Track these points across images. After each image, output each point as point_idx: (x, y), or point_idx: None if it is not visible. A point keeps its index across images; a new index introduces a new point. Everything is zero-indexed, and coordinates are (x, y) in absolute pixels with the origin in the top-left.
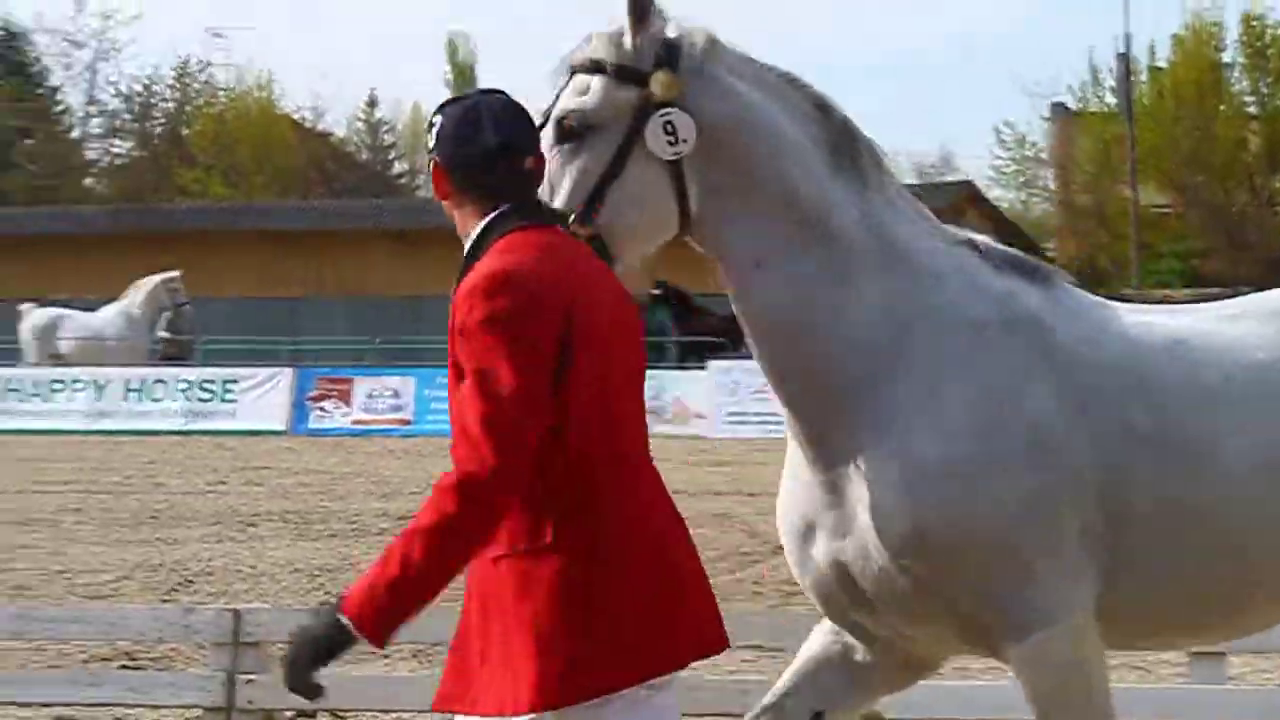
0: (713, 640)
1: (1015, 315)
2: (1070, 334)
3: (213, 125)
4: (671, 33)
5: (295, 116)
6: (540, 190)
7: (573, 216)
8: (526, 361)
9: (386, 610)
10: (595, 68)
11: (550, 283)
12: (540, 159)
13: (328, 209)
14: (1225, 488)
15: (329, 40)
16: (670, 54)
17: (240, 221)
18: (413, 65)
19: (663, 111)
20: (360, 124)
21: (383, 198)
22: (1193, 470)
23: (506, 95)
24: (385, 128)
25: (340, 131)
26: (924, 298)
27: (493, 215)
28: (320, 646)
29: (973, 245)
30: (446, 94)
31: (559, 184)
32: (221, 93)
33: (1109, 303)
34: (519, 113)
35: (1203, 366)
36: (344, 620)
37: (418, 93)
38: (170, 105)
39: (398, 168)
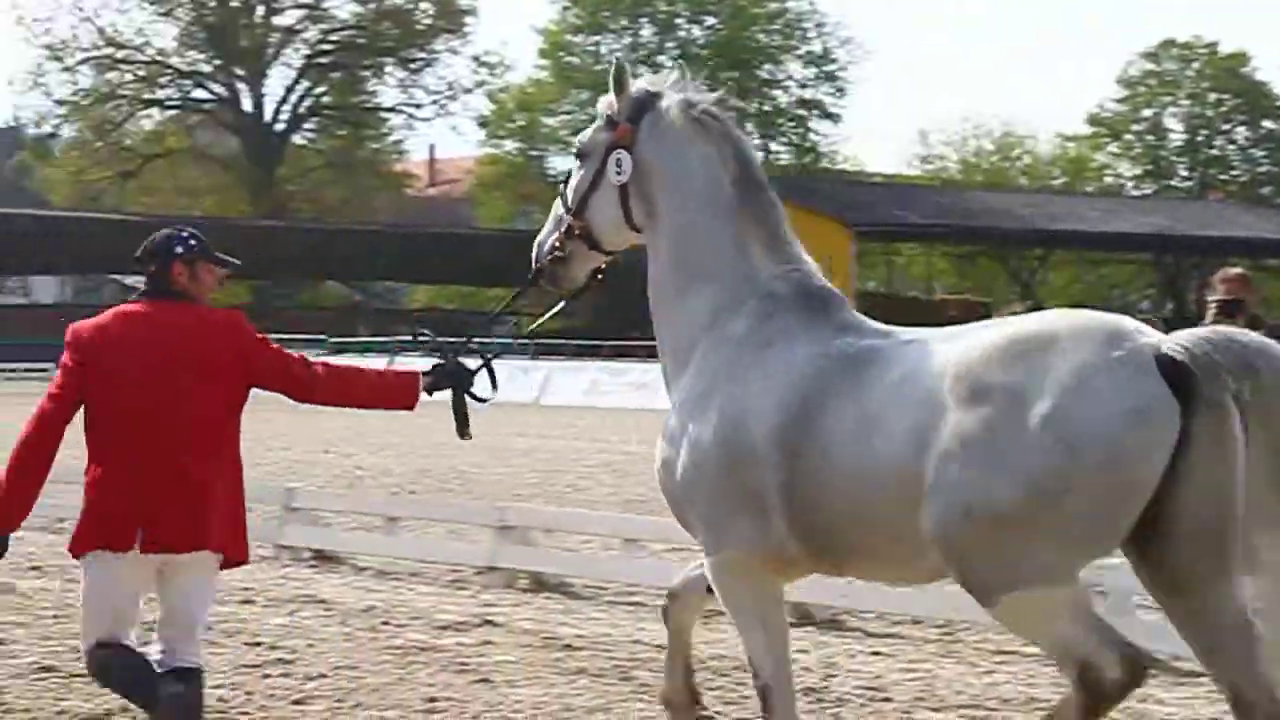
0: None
1: (753, 333)
2: (774, 347)
3: None
4: (645, 95)
5: None
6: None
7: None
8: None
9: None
10: (598, 117)
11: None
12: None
13: None
14: (851, 465)
15: None
16: (638, 111)
17: None
18: None
19: (618, 151)
20: None
21: None
22: (824, 450)
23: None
24: None
25: None
26: (725, 311)
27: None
28: None
29: (787, 278)
30: None
31: (569, 189)
32: None
33: (855, 325)
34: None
35: (866, 373)
36: None
37: None
38: None
39: None
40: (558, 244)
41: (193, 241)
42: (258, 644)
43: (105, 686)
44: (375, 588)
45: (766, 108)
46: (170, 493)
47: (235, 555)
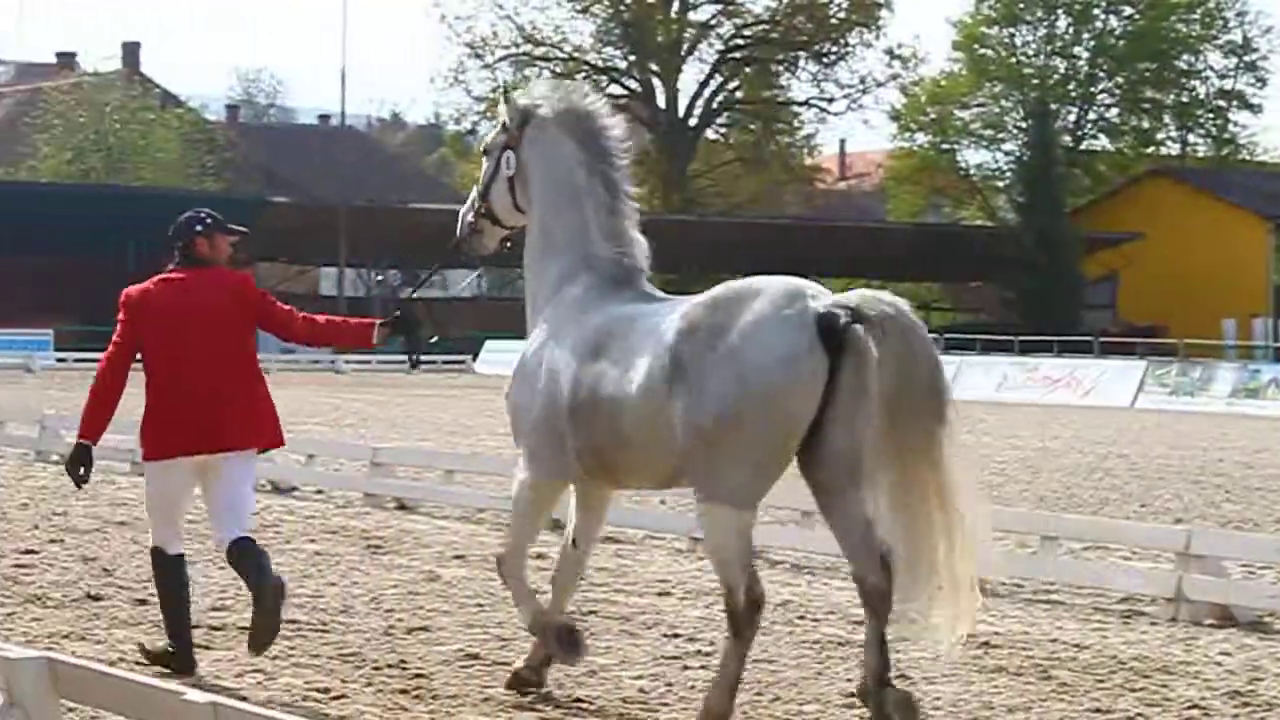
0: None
1: (580, 299)
2: (588, 311)
3: None
4: (527, 108)
5: None
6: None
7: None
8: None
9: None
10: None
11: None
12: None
13: None
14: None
15: None
16: (522, 121)
17: None
18: None
19: (507, 151)
20: None
21: None
22: (595, 385)
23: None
24: None
25: None
26: (566, 280)
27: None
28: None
29: (613, 258)
30: None
31: (480, 178)
32: None
33: (646, 294)
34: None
35: (633, 325)
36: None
37: None
38: None
39: None
40: (471, 220)
41: (209, 219)
42: (676, 636)
43: (165, 593)
44: (791, 581)
45: (1184, 99)
46: (210, 407)
47: (271, 444)
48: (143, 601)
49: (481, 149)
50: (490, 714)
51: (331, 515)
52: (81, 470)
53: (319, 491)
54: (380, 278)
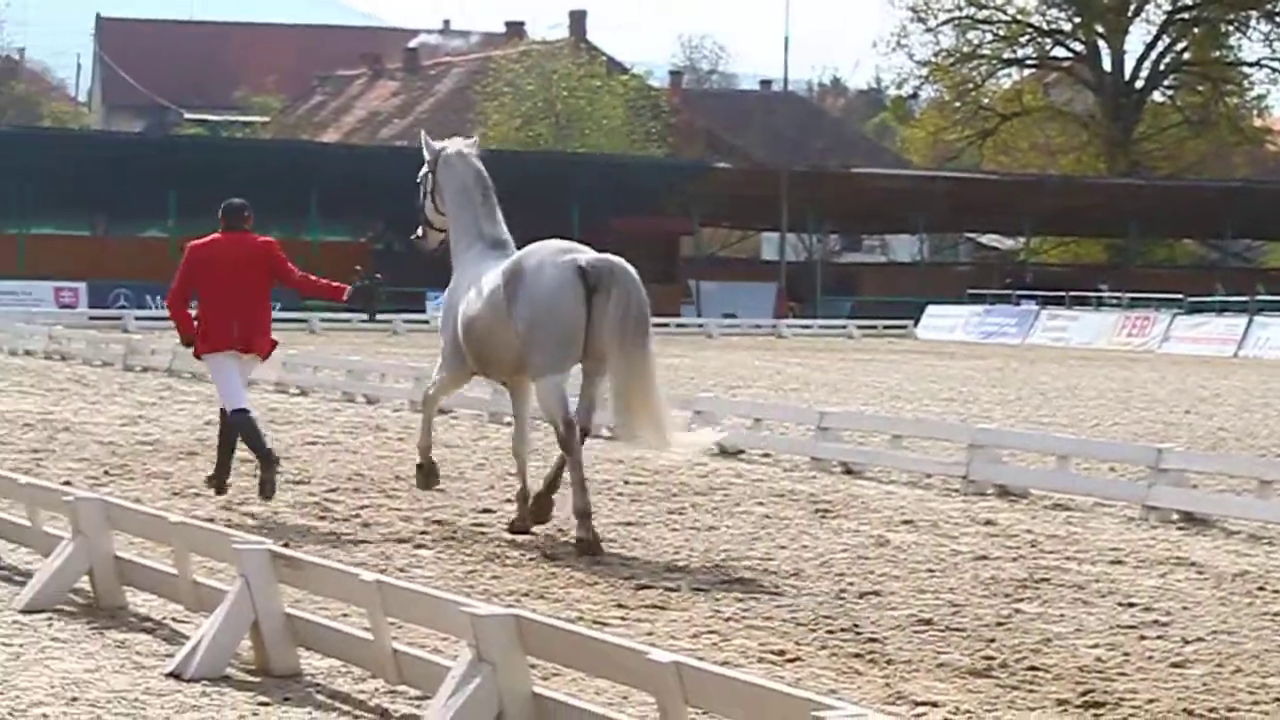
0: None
1: (473, 259)
2: (479, 268)
3: None
4: (438, 150)
5: None
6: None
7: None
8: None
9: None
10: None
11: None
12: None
13: None
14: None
15: None
16: (435, 157)
17: None
18: None
19: (429, 177)
20: None
21: None
22: (467, 310)
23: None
24: None
25: None
26: (467, 250)
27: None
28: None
29: (492, 236)
30: None
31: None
32: None
33: (509, 256)
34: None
35: (488, 272)
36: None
37: None
38: None
39: None
40: (419, 228)
41: (241, 202)
42: (1131, 605)
43: (242, 434)
44: (1248, 552)
45: None
46: (240, 324)
47: (266, 352)
48: (598, 561)
49: (420, 176)
50: (945, 679)
51: (779, 479)
52: (191, 345)
53: (766, 455)
54: (820, 241)
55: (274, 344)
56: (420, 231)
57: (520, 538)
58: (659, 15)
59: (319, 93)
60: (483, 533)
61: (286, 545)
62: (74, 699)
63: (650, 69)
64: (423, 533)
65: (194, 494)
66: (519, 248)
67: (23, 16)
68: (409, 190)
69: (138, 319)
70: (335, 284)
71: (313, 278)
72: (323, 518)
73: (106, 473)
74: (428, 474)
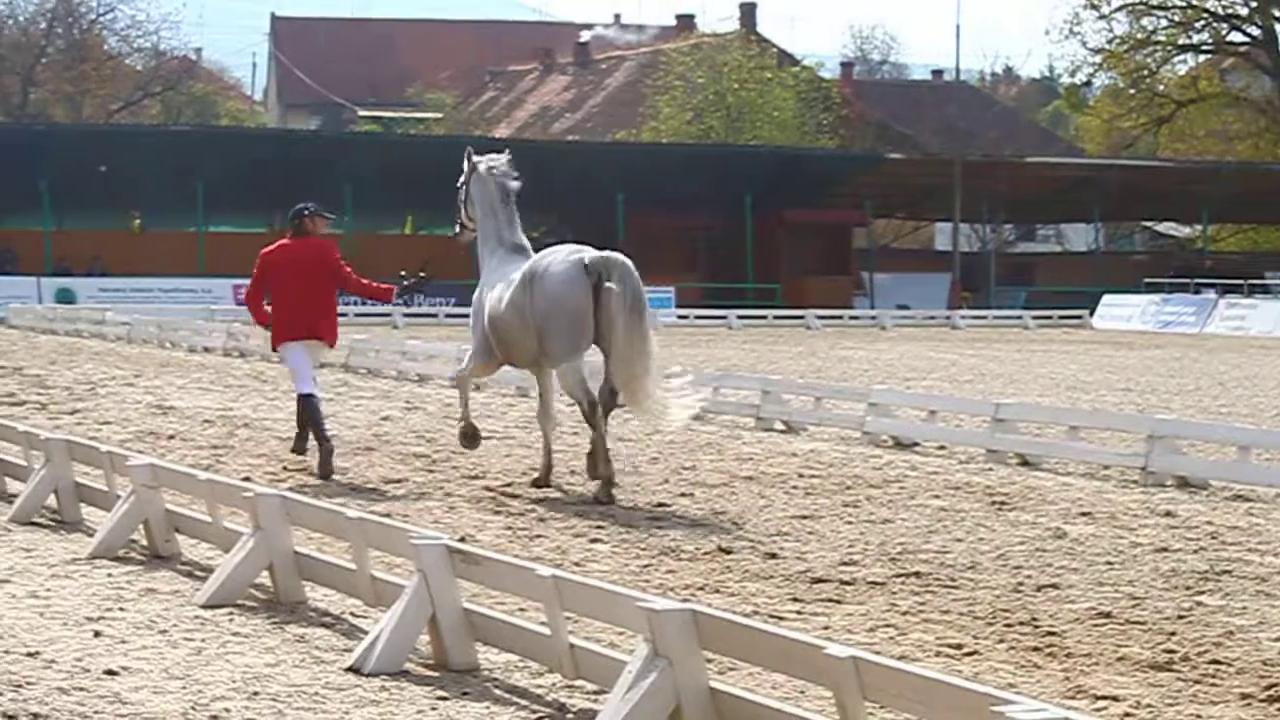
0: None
1: (496, 263)
2: (501, 271)
3: None
4: (472, 164)
5: None
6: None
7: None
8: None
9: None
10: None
11: (271, 250)
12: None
13: None
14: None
15: None
16: (471, 170)
17: None
18: None
19: (464, 186)
20: None
21: None
22: (493, 309)
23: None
24: None
25: None
26: (491, 255)
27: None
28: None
29: (512, 241)
30: None
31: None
32: None
33: (529, 259)
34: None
35: (510, 275)
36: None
37: None
38: None
39: None
40: (456, 225)
41: (311, 207)
42: None
43: (308, 416)
44: None
45: None
46: (308, 317)
47: (332, 340)
48: (772, 555)
49: (459, 184)
50: (1126, 673)
51: (954, 471)
52: (266, 333)
53: (941, 447)
54: (994, 231)
55: (335, 335)
56: (456, 229)
57: (696, 530)
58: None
59: (491, 88)
60: (658, 526)
61: (463, 540)
62: (255, 693)
63: (820, 60)
64: (598, 527)
65: (371, 489)
66: (712, 239)
67: (199, 17)
68: (582, 185)
69: None
70: (384, 285)
71: (364, 281)
72: (498, 512)
73: (285, 468)
74: (470, 437)
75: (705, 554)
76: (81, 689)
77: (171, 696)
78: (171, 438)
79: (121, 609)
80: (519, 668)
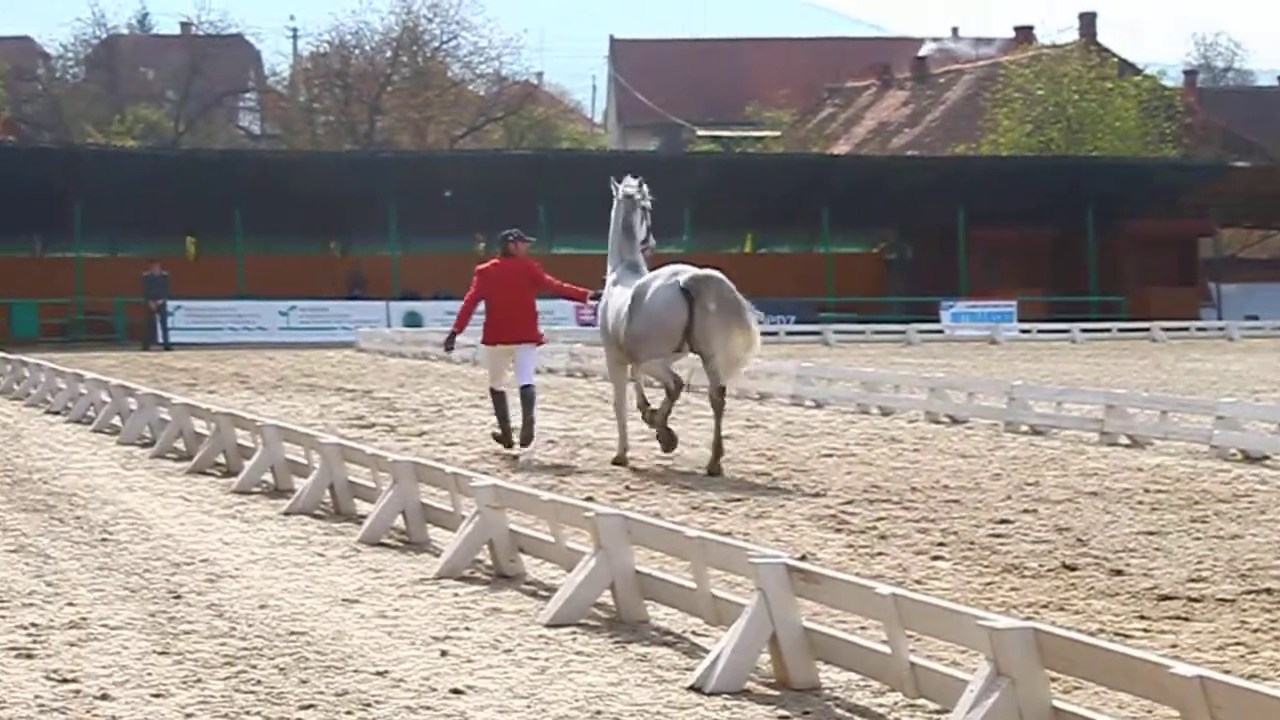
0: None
1: (618, 278)
2: (619, 285)
3: None
4: (619, 190)
5: None
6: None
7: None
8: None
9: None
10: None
11: (486, 267)
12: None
13: None
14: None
15: None
16: (616, 194)
17: None
18: None
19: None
20: None
21: None
22: (617, 316)
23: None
24: None
25: None
26: (614, 270)
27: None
28: (448, 340)
29: (631, 260)
30: None
31: None
32: None
33: (642, 275)
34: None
35: (629, 290)
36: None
37: None
38: None
39: None
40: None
41: (515, 232)
42: None
43: (496, 409)
44: None
45: None
46: (515, 324)
47: (537, 340)
48: (1118, 572)
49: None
50: None
51: None
52: (449, 347)
53: None
54: None
55: (540, 337)
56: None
57: (1037, 547)
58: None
59: (829, 104)
60: (1001, 544)
61: (804, 558)
62: (598, 713)
63: (1162, 69)
64: (940, 544)
65: (712, 508)
66: (1054, 252)
67: (540, 42)
68: (921, 199)
69: None
70: (581, 288)
71: (564, 284)
72: (839, 530)
73: (628, 488)
74: (666, 441)
75: (1049, 571)
76: (428, 708)
77: (515, 716)
78: (515, 458)
79: (467, 628)
80: (860, 686)
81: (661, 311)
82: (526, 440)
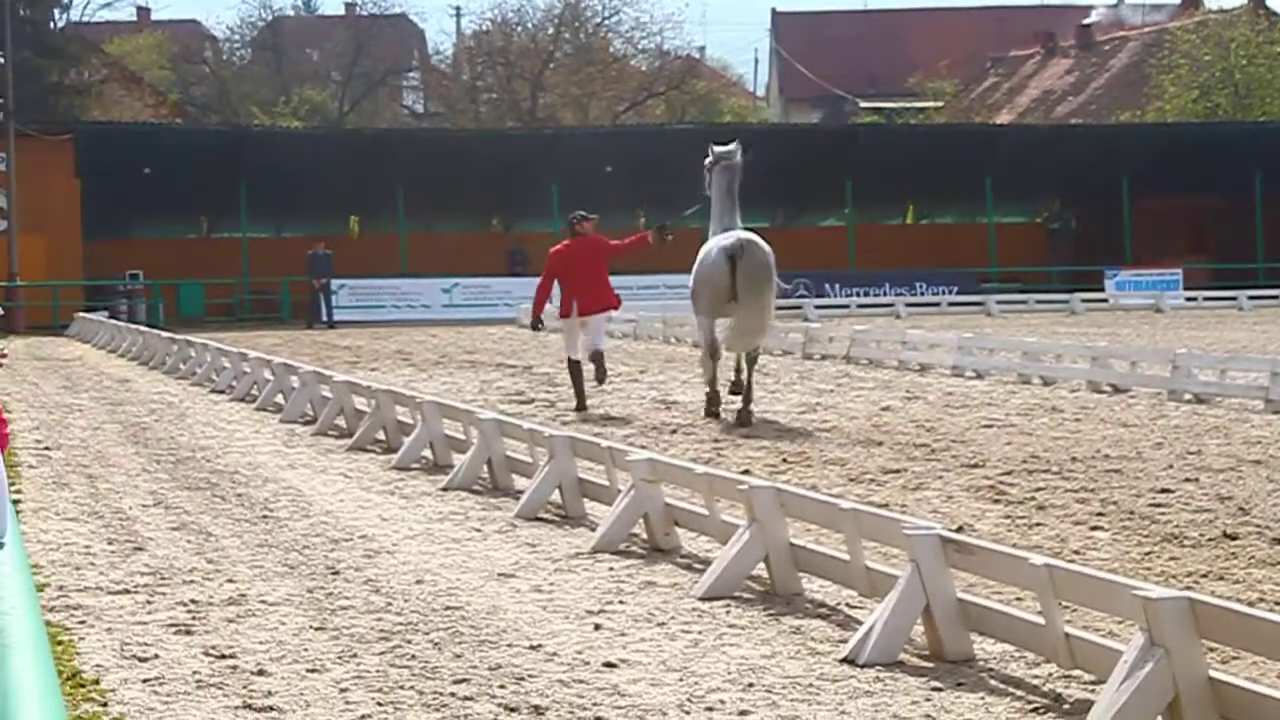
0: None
1: (715, 239)
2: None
3: None
4: (714, 153)
5: None
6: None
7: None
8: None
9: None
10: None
11: (558, 249)
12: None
13: None
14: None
15: None
16: (713, 160)
17: None
18: None
19: (708, 173)
20: None
21: None
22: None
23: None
24: None
25: None
26: (713, 232)
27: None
28: (533, 324)
29: (728, 224)
30: None
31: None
32: None
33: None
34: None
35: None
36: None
37: None
38: None
39: None
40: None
41: (580, 214)
42: None
43: (573, 378)
44: None
45: None
46: (594, 295)
47: (617, 304)
48: (1278, 540)
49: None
50: None
51: None
52: (536, 327)
53: None
54: None
55: (615, 301)
56: (699, 207)
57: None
58: None
59: (992, 74)
60: (1161, 513)
61: (960, 530)
62: (750, 685)
63: None
64: (1099, 514)
65: (869, 480)
66: (1220, 219)
67: (702, 16)
68: (1087, 167)
69: (817, 307)
70: (636, 236)
71: (624, 241)
72: (997, 501)
73: (784, 460)
74: (709, 398)
75: (1209, 540)
76: (581, 681)
77: (668, 689)
78: (674, 432)
79: (621, 602)
80: (1015, 658)
81: (709, 271)
82: (601, 379)
